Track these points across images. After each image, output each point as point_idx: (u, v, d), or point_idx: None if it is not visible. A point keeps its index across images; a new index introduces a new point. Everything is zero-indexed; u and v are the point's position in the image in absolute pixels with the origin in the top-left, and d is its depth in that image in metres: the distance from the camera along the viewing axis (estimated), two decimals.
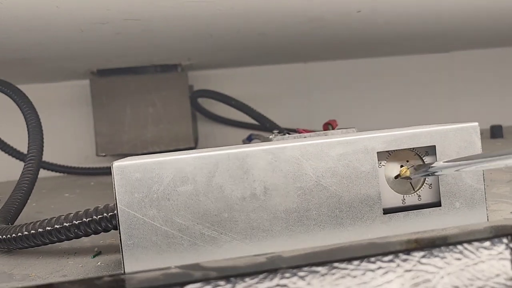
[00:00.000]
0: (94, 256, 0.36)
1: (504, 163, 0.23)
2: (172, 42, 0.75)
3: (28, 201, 0.67)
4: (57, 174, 0.97)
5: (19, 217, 0.51)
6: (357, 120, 1.18)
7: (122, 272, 0.30)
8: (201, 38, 0.73)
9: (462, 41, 1.07)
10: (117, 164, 0.29)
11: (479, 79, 1.22)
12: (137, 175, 0.30)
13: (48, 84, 1.06)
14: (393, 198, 0.33)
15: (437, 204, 0.33)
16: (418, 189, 0.33)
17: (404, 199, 0.33)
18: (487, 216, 0.33)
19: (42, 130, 0.60)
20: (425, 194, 0.33)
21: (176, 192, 0.30)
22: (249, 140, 0.97)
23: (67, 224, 0.34)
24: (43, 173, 0.94)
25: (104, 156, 0.99)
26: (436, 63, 1.21)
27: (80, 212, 0.34)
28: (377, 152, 0.32)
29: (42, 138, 0.60)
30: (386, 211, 0.32)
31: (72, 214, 0.34)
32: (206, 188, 0.30)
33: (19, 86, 0.95)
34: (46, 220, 0.35)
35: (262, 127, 0.99)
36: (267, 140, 0.63)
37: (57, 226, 0.34)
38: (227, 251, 0.30)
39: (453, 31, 0.89)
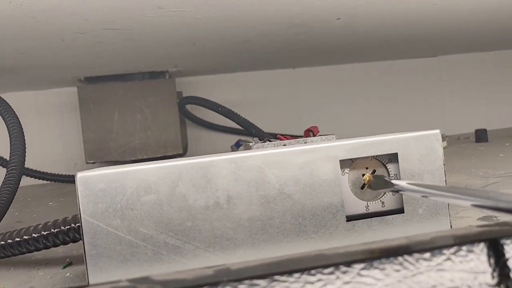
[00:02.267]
0: (64, 267, 0.37)
1: (468, 203, 0.24)
2: (156, 50, 0.75)
3: (12, 209, 0.68)
4: (45, 181, 0.97)
5: None
6: (346, 124, 1.19)
7: (86, 283, 0.30)
8: (184, 46, 0.74)
9: (448, 46, 1.08)
10: (80, 175, 0.30)
11: (466, 83, 1.23)
12: (100, 186, 0.30)
13: (37, 91, 1.07)
14: (357, 205, 0.33)
15: (401, 210, 0.33)
16: (382, 196, 0.33)
17: (368, 206, 0.33)
18: (450, 223, 0.33)
19: (24, 138, 0.60)
20: (388, 201, 0.33)
21: (140, 202, 0.30)
22: (237, 146, 0.98)
23: (35, 235, 0.34)
24: (31, 181, 0.94)
25: (93, 163, 1.00)
26: (423, 68, 1.22)
27: (49, 223, 0.34)
28: (340, 160, 0.32)
29: (24, 147, 0.60)
30: (350, 218, 0.32)
31: (40, 225, 0.34)
32: (169, 198, 0.30)
33: (7, 94, 0.96)
34: (16, 231, 0.35)
35: (249, 132, 0.99)
36: (248, 147, 0.64)
37: (26, 237, 0.34)
38: (191, 260, 0.31)
39: (437, 36, 0.90)
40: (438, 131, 0.33)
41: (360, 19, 0.67)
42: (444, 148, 0.90)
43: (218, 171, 0.31)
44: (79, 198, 0.30)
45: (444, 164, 0.33)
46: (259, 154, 0.31)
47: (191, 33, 0.65)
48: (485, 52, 1.24)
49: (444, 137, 1.03)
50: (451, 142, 0.99)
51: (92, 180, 0.30)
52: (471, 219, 0.37)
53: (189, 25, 0.60)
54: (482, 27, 0.85)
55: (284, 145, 0.62)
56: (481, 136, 0.91)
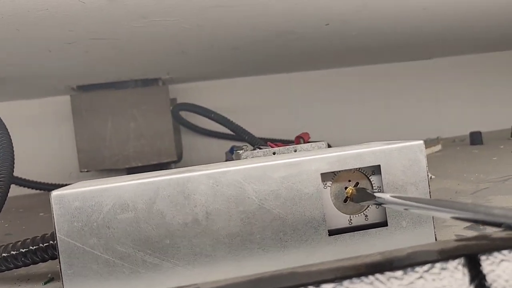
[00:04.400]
0: (45, 283, 0.36)
1: (448, 216, 0.23)
2: (146, 59, 0.75)
3: (2, 221, 0.68)
4: (38, 191, 0.97)
5: None
6: (341, 128, 1.18)
7: None
8: (174, 54, 0.73)
9: (442, 48, 1.07)
10: (55, 194, 0.29)
11: (461, 85, 1.23)
12: (76, 204, 0.29)
13: (30, 100, 1.06)
14: (339, 219, 0.32)
15: (384, 224, 0.32)
16: (365, 209, 0.33)
17: (351, 219, 0.33)
18: (435, 235, 0.33)
19: (12, 148, 0.59)
20: (372, 214, 0.33)
21: (116, 219, 0.30)
22: (231, 152, 0.97)
23: (14, 253, 0.33)
24: (24, 190, 0.94)
25: (88, 172, 0.99)
26: (418, 70, 1.21)
27: (28, 240, 0.34)
28: (321, 173, 0.32)
29: (13, 157, 0.59)
30: (332, 233, 0.32)
31: (19, 242, 0.34)
32: (146, 215, 0.30)
33: (0, 104, 0.95)
34: None
35: (242, 138, 0.98)
36: (238, 156, 0.63)
37: (4, 255, 0.34)
38: (170, 278, 0.30)
39: (431, 39, 0.90)
40: (421, 141, 0.33)
41: (350, 24, 0.67)
42: (438, 151, 0.89)
43: (196, 186, 0.30)
44: (54, 217, 0.29)
45: (428, 175, 0.33)
46: (238, 169, 0.31)
47: (179, 41, 0.64)
48: (480, 54, 1.24)
49: (438, 140, 1.03)
50: (446, 144, 0.98)
51: (67, 198, 0.29)
52: (457, 228, 0.37)
53: (176, 34, 0.60)
54: (476, 30, 0.85)
55: (274, 153, 0.62)
56: (475, 138, 0.90)
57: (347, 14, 0.61)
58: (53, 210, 0.29)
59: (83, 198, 0.29)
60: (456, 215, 0.23)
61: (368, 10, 0.60)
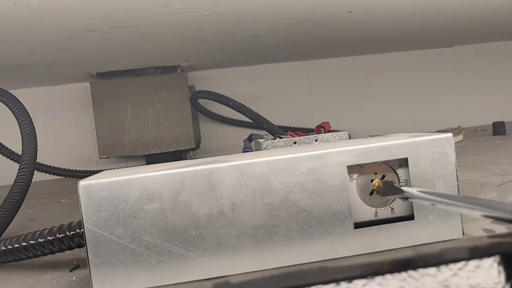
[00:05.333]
0: (71, 270, 0.37)
1: (479, 213, 0.23)
2: (166, 46, 0.75)
3: (25, 206, 0.69)
4: (59, 177, 0.98)
5: (11, 225, 0.52)
6: (360, 117, 1.17)
7: None
8: (194, 42, 0.73)
9: (465, 36, 1.05)
10: (83, 184, 0.30)
11: (483, 74, 1.20)
12: (103, 194, 0.30)
13: (50, 87, 1.07)
14: (365, 212, 0.32)
15: (410, 217, 0.32)
16: (391, 202, 0.32)
17: (377, 212, 0.32)
18: (462, 229, 0.32)
19: (35, 135, 0.60)
20: (398, 207, 0.32)
21: (143, 210, 0.30)
22: (249, 140, 0.97)
23: (41, 240, 0.34)
24: (45, 176, 0.95)
25: (107, 158, 1.00)
26: (440, 58, 1.19)
27: (55, 228, 0.34)
28: (348, 166, 0.31)
29: (36, 143, 0.60)
30: (358, 225, 0.31)
31: (46, 230, 0.34)
32: (172, 206, 0.30)
33: (20, 90, 0.96)
34: (23, 236, 0.35)
35: (261, 127, 0.98)
36: (258, 144, 0.63)
37: (32, 242, 0.34)
38: (195, 268, 0.30)
39: (453, 26, 0.88)
40: (450, 134, 0.32)
41: (372, 12, 0.66)
42: (460, 141, 0.88)
43: (222, 178, 0.30)
44: (82, 207, 0.29)
45: (456, 169, 0.32)
46: (264, 161, 0.31)
47: (199, 29, 0.64)
48: (504, 41, 1.21)
49: (460, 130, 1.01)
50: (468, 135, 0.97)
51: (94, 188, 0.29)
52: (484, 221, 0.36)
53: (197, 21, 0.59)
54: (500, 16, 0.83)
55: (295, 142, 0.61)
56: (498, 129, 0.89)
57: (370, 2, 0.60)
58: (81, 200, 0.29)
59: (110, 188, 0.30)
60: (489, 213, 0.23)
61: None
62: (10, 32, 0.55)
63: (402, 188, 0.30)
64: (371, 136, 1.11)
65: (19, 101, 0.61)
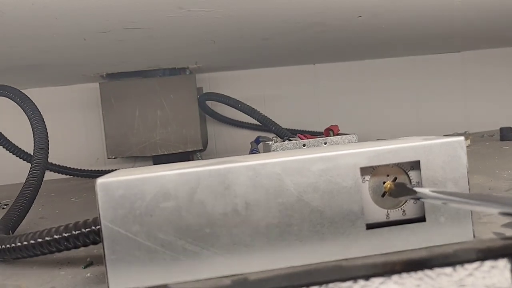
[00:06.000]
0: (85, 267, 0.37)
1: (496, 211, 0.23)
2: (176, 48, 0.75)
3: (35, 205, 0.69)
4: (69, 176, 0.99)
5: (22, 222, 0.52)
6: (367, 121, 1.17)
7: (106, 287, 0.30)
8: (204, 44, 0.74)
9: (472, 41, 1.05)
10: (100, 181, 0.30)
11: (490, 79, 1.20)
12: (120, 192, 0.30)
13: (60, 87, 1.08)
14: (377, 213, 0.33)
15: (422, 219, 0.32)
16: (403, 204, 0.33)
17: (388, 214, 0.33)
18: (473, 232, 0.32)
19: (47, 134, 0.61)
20: (409, 209, 0.33)
21: (159, 208, 0.30)
22: (256, 142, 0.97)
23: (57, 237, 0.34)
24: (54, 175, 0.96)
25: (115, 158, 1.01)
26: (446, 63, 1.19)
27: (70, 225, 0.35)
28: (360, 168, 0.32)
29: (48, 142, 0.61)
30: (370, 226, 0.32)
31: (62, 227, 0.35)
32: (188, 204, 0.31)
33: (30, 90, 0.97)
34: (38, 232, 0.36)
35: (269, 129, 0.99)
36: (267, 146, 0.64)
37: (48, 239, 0.35)
38: (209, 266, 0.31)
39: (461, 31, 0.88)
40: (462, 138, 0.32)
41: (381, 17, 0.66)
42: (467, 146, 0.88)
43: (237, 177, 0.31)
44: (99, 204, 0.30)
45: (468, 172, 0.33)
46: (277, 161, 0.31)
47: (210, 31, 0.65)
48: (511, 47, 1.21)
49: (467, 135, 1.01)
50: (475, 140, 0.97)
51: (111, 186, 0.30)
52: (494, 225, 0.36)
53: (209, 24, 0.60)
54: (508, 22, 0.83)
55: (304, 145, 0.62)
56: (506, 134, 0.89)
57: (381, 6, 0.60)
58: (98, 197, 0.30)
59: (127, 186, 0.30)
60: (504, 210, 0.23)
61: (402, 2, 0.59)
62: (26, 32, 0.56)
63: (415, 188, 0.30)
64: (377, 140, 1.11)
65: (32, 100, 0.61)
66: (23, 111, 0.61)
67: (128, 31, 0.60)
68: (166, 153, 0.99)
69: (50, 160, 0.93)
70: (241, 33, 0.69)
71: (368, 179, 0.32)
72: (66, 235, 0.34)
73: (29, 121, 0.60)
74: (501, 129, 0.91)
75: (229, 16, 0.57)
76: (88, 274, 0.36)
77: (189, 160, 1.06)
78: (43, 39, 0.60)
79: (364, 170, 0.32)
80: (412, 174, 0.33)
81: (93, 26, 0.56)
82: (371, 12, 0.62)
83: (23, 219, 0.52)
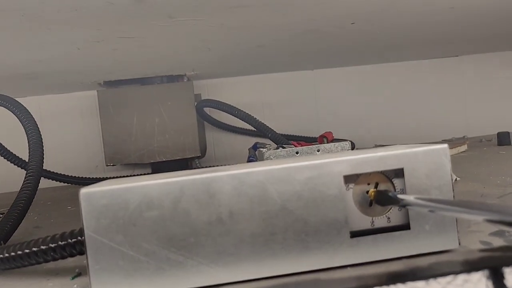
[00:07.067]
0: (73, 278, 0.37)
1: (480, 218, 0.22)
2: (171, 56, 0.76)
3: (31, 213, 0.69)
4: (64, 184, 0.99)
5: (17, 232, 0.52)
6: (366, 126, 1.17)
7: None
8: (199, 52, 0.74)
9: (470, 45, 1.05)
10: (84, 191, 0.30)
11: (489, 84, 1.20)
12: (103, 201, 0.30)
13: (57, 95, 1.09)
14: (362, 221, 0.32)
15: (407, 226, 0.32)
16: (387, 212, 0.33)
17: (373, 221, 0.33)
18: (459, 240, 0.32)
19: (42, 142, 0.61)
20: (394, 217, 0.33)
21: (142, 217, 0.30)
22: (254, 148, 0.97)
23: (43, 247, 0.34)
24: (51, 183, 0.96)
25: (113, 166, 1.01)
26: (445, 68, 1.19)
27: (57, 235, 0.35)
28: (344, 176, 0.32)
29: (42, 150, 0.61)
30: (354, 234, 0.32)
31: (49, 237, 0.35)
32: (172, 213, 0.31)
33: (28, 98, 0.98)
34: (26, 243, 0.36)
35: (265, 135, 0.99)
36: (261, 154, 0.64)
37: (35, 249, 0.35)
38: (193, 275, 0.31)
39: (458, 36, 0.88)
40: (446, 145, 0.32)
41: (375, 23, 0.66)
42: (464, 151, 0.88)
43: (221, 186, 0.31)
44: (82, 214, 0.30)
45: (452, 179, 0.32)
46: (261, 170, 0.31)
47: (204, 40, 0.65)
48: (509, 51, 1.21)
49: (465, 140, 1.01)
50: (472, 144, 0.97)
51: (95, 196, 0.30)
52: (482, 234, 0.36)
53: (202, 32, 0.60)
54: (504, 27, 0.83)
55: (297, 152, 0.62)
56: (503, 139, 0.89)
57: (374, 13, 0.60)
58: (82, 207, 0.30)
59: (110, 196, 0.30)
60: (487, 217, 0.22)
61: (395, 9, 0.60)
62: (17, 41, 0.56)
63: (400, 196, 0.30)
64: (375, 145, 1.11)
65: (26, 108, 0.62)
66: (18, 119, 0.62)
67: (122, 40, 0.61)
68: (164, 160, 0.99)
69: (49, 168, 0.94)
70: (236, 41, 0.69)
71: (352, 186, 0.32)
72: (52, 245, 0.34)
73: (24, 129, 0.61)
74: (498, 134, 0.91)
75: (221, 24, 0.58)
76: (75, 286, 0.35)
77: (187, 167, 1.06)
78: (37, 48, 0.61)
79: (348, 178, 0.32)
80: (397, 181, 0.33)
81: (85, 36, 0.56)
82: (364, 18, 0.63)
83: (16, 229, 0.52)
